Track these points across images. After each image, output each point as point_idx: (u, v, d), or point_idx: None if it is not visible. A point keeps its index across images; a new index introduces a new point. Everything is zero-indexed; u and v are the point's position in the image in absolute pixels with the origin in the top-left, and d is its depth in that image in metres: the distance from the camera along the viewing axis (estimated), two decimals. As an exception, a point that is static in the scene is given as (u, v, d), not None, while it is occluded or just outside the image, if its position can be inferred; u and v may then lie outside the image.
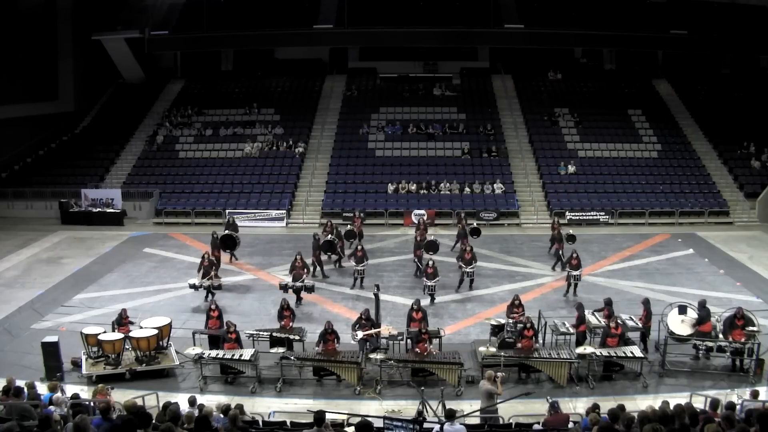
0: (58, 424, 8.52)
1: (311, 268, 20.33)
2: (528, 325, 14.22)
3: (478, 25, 34.38)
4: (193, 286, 18.56)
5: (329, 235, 22.26)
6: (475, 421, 10.71)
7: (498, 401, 11.07)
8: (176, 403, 10.10)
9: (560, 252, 21.78)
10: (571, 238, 22.64)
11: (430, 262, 18.94)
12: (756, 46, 34.56)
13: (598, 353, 13.70)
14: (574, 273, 18.86)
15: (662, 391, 13.09)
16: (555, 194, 29.31)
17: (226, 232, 22.55)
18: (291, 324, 15.32)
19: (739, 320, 14.24)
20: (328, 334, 14.07)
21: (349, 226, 24.29)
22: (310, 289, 18.55)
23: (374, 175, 30.87)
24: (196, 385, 13.49)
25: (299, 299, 18.49)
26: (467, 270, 19.65)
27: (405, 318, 15.39)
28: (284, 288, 18.27)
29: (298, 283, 18.35)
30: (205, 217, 28.50)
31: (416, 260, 21.22)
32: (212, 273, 18.77)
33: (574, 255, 19.02)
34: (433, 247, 21.58)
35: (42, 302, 18.72)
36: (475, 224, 24.80)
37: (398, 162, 31.60)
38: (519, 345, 14.14)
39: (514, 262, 22.66)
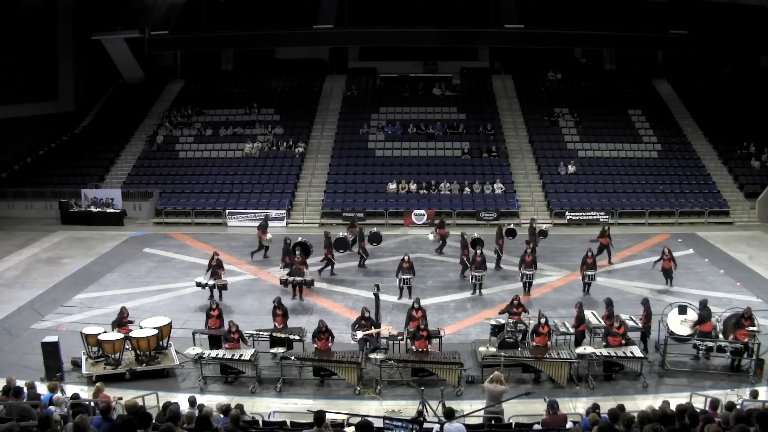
0: (58, 424, 8.53)
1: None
2: (543, 321, 14.23)
3: (478, 25, 34.35)
4: (199, 284, 18.67)
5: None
6: (475, 420, 10.72)
7: (503, 400, 11.07)
8: (176, 403, 10.12)
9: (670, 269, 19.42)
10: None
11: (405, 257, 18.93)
12: (756, 46, 34.54)
13: (598, 353, 13.71)
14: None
15: (662, 391, 13.10)
16: (555, 194, 29.30)
17: None
18: (284, 322, 15.26)
19: (746, 320, 14.26)
20: (322, 333, 14.08)
21: (475, 234, 22.57)
22: (223, 287, 18.65)
23: (374, 175, 30.85)
24: (196, 385, 13.50)
25: (219, 295, 18.52)
26: (527, 273, 19.05)
27: (405, 318, 15.33)
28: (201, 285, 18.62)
29: (219, 281, 18.50)
30: (205, 217, 28.53)
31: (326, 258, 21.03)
32: (220, 272, 18.79)
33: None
34: (343, 244, 21.68)
35: (42, 302, 18.72)
36: (512, 225, 24.04)
37: (398, 162, 31.58)
38: (533, 343, 14.16)
39: (514, 262, 22.52)
